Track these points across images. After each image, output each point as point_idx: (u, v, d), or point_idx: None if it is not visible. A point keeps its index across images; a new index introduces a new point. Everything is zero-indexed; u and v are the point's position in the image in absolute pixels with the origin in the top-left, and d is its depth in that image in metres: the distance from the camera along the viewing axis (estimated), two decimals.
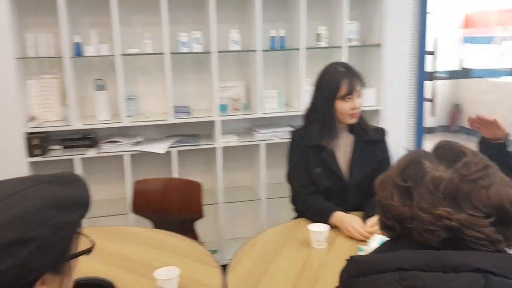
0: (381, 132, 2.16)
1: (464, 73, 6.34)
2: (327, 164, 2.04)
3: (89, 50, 2.68)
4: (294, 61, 3.01)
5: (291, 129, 3.06)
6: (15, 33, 2.61)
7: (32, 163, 2.68)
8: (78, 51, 2.69)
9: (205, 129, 3.05)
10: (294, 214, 2.18)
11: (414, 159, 0.90)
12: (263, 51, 2.88)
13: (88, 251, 0.85)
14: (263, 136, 2.98)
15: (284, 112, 3.02)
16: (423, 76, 3.40)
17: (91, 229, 2.02)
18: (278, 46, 2.96)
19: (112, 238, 1.88)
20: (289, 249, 1.75)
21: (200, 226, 2.47)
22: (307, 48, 2.92)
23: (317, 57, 2.96)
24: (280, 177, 3.22)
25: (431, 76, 3.08)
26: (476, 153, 0.88)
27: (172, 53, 2.77)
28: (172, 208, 2.44)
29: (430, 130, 7.07)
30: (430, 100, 3.11)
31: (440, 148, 0.92)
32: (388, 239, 0.93)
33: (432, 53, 3.37)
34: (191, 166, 3.10)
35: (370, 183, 2.13)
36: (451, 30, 7.13)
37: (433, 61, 3.28)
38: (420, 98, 3.43)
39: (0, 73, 2.56)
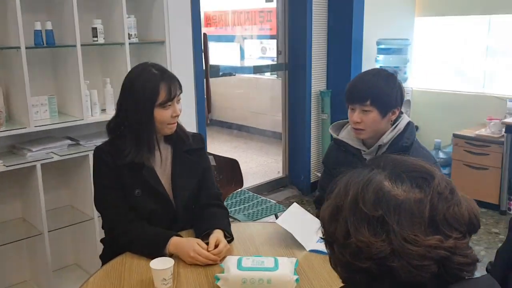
0: (199, 138, 1.94)
1: (213, 71, 6.66)
2: (150, 183, 1.72)
3: None
4: (67, 60, 2.48)
5: (70, 142, 2.56)
6: None
7: None
8: None
9: None
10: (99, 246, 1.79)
11: (368, 180, 0.75)
12: (27, 48, 2.27)
13: None
14: (37, 155, 2.37)
15: (60, 123, 2.46)
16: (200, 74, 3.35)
17: None
18: (45, 42, 2.38)
19: None
20: None
21: None
22: (83, 45, 2.44)
23: (95, 56, 2.53)
24: (63, 200, 2.68)
25: None
26: (433, 166, 0.79)
27: None
28: None
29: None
30: None
31: (388, 165, 0.79)
32: None
33: None
34: None
35: (196, 197, 1.90)
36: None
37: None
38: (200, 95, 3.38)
39: None
